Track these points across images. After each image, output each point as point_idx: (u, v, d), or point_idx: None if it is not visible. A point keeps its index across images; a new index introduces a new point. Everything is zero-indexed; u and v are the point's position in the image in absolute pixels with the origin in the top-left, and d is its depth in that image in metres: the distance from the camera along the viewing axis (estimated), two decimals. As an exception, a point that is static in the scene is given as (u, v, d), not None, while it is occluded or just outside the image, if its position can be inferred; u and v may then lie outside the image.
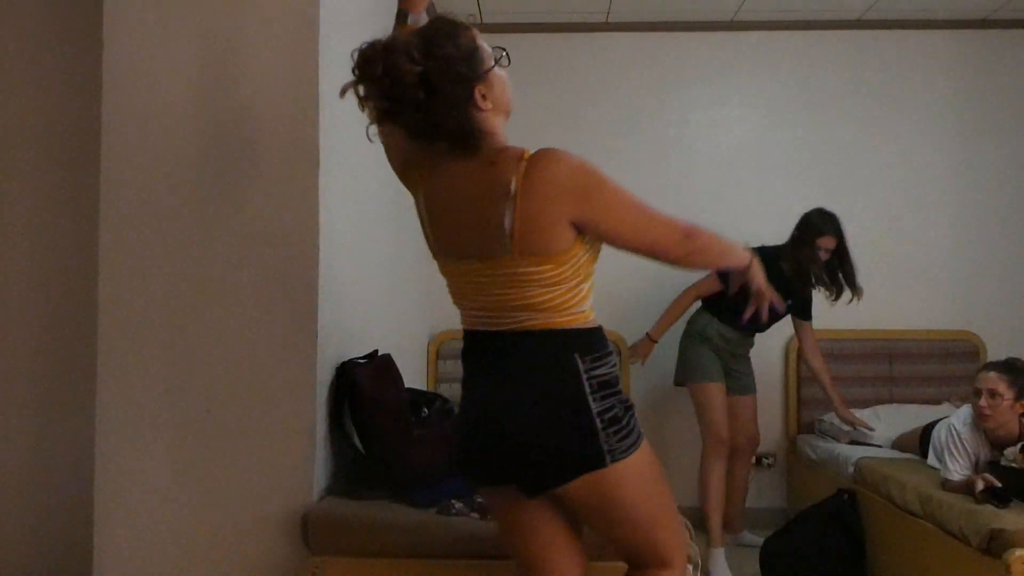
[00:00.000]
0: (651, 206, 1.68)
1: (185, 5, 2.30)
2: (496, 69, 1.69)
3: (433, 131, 1.67)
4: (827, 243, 3.72)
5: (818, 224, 3.75)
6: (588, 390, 1.62)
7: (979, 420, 2.98)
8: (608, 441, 1.61)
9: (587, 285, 1.69)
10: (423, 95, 1.60)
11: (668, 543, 1.76)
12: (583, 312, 1.68)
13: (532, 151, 1.63)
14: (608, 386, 1.64)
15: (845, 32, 4.52)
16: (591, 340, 1.67)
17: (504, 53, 1.72)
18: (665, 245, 1.70)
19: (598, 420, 1.61)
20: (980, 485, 2.78)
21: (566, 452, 1.62)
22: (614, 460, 1.62)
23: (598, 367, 1.64)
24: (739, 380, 3.96)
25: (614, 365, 1.69)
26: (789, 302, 3.61)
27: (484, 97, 1.67)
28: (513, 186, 1.60)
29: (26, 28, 2.53)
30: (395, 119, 1.66)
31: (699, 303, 3.94)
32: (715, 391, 3.83)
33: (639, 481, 1.69)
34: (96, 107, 2.33)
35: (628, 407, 1.67)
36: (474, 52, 1.67)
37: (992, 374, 2.99)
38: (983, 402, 2.95)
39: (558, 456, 1.62)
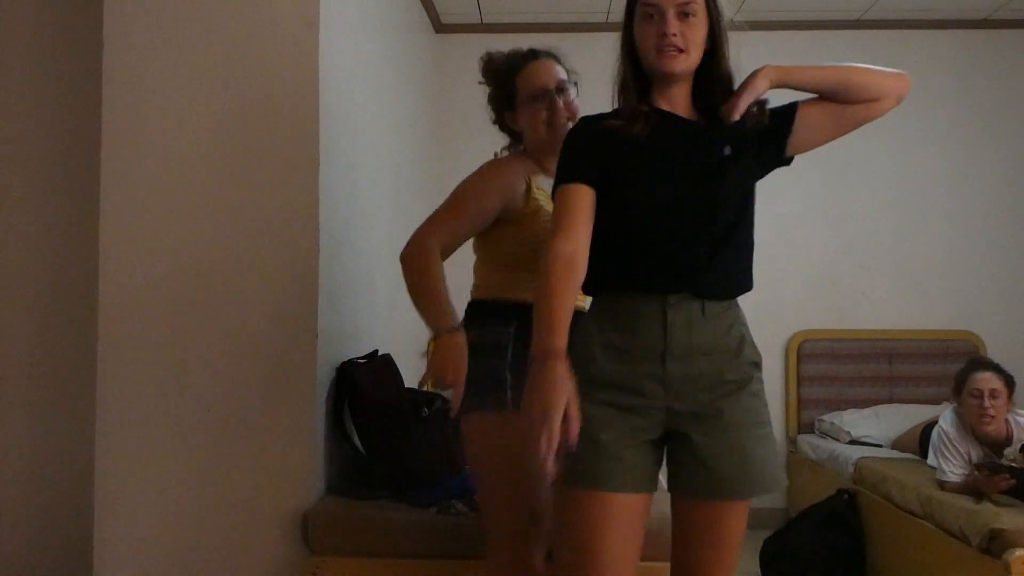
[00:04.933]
0: (457, 213, 1.90)
1: (185, 5, 2.30)
2: (532, 104, 1.93)
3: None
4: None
5: None
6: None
7: (981, 422, 2.97)
8: (468, 394, 1.78)
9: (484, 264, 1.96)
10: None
11: (489, 531, 1.89)
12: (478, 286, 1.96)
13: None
14: (474, 349, 1.79)
15: (845, 32, 4.51)
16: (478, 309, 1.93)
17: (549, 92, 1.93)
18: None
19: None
20: (1002, 485, 2.78)
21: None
22: (464, 412, 1.81)
23: (474, 331, 1.83)
24: (704, 455, 1.56)
25: (494, 332, 1.84)
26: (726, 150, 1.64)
27: (515, 120, 1.99)
28: None
29: (26, 29, 2.53)
30: None
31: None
32: (594, 503, 1.53)
33: (479, 445, 1.87)
34: (96, 107, 2.33)
35: (491, 374, 1.80)
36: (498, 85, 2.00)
37: (990, 374, 2.99)
38: (987, 403, 2.94)
39: None
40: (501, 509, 1.86)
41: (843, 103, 1.62)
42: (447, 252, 1.90)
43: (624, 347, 1.56)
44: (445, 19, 4.49)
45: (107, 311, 2.29)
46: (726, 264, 1.59)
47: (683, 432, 1.55)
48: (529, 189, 1.92)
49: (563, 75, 1.97)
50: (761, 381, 1.62)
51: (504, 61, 2.00)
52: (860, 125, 1.66)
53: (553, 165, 1.84)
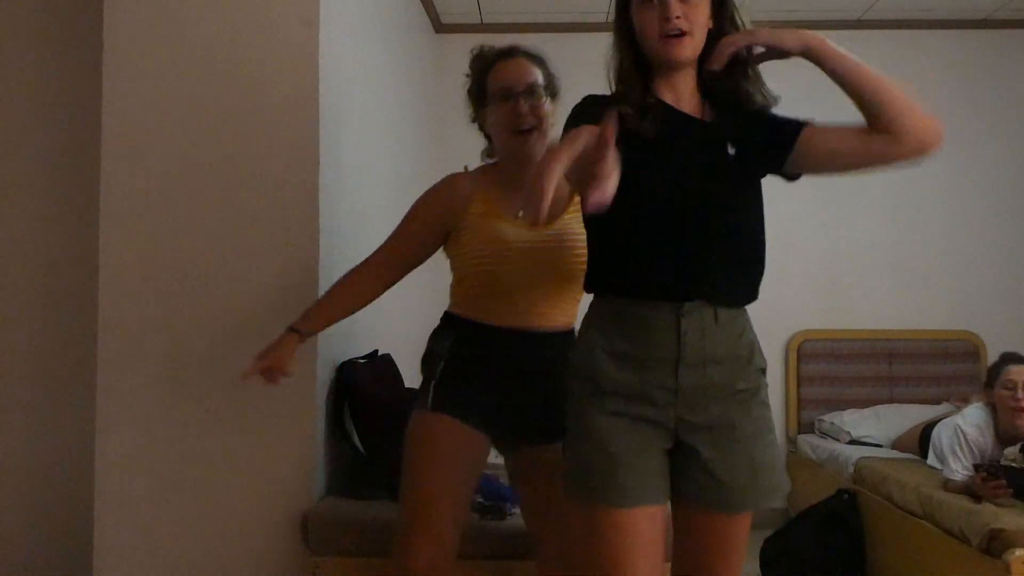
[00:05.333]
0: (398, 235, 2.02)
1: (185, 5, 2.30)
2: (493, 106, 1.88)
3: None
4: None
5: None
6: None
7: (1012, 415, 2.96)
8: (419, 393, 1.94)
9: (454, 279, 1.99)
10: None
11: (401, 526, 1.82)
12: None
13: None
14: (425, 355, 1.97)
15: (845, 32, 4.51)
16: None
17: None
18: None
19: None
20: (999, 494, 2.77)
21: None
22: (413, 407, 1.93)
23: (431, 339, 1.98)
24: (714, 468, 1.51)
25: (435, 344, 1.95)
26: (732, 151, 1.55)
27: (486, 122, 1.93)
28: None
29: (26, 29, 2.53)
30: None
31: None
32: (614, 524, 1.46)
33: (408, 438, 1.90)
34: (96, 107, 2.33)
35: (425, 377, 1.94)
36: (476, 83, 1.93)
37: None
38: (1020, 394, 2.94)
39: None
40: (404, 500, 1.85)
41: (863, 109, 1.49)
42: (394, 269, 2.00)
43: (633, 355, 1.49)
44: (445, 19, 4.49)
45: (107, 311, 2.29)
46: (738, 270, 1.53)
47: (691, 445, 1.50)
48: (466, 205, 1.89)
49: (537, 78, 1.86)
50: (767, 386, 1.58)
51: (486, 56, 1.93)
52: (867, 164, 1.53)
53: (519, 177, 1.85)
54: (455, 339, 1.91)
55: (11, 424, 2.50)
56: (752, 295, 1.57)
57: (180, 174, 2.30)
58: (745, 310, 1.58)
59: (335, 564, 2.14)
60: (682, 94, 1.55)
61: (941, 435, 3.23)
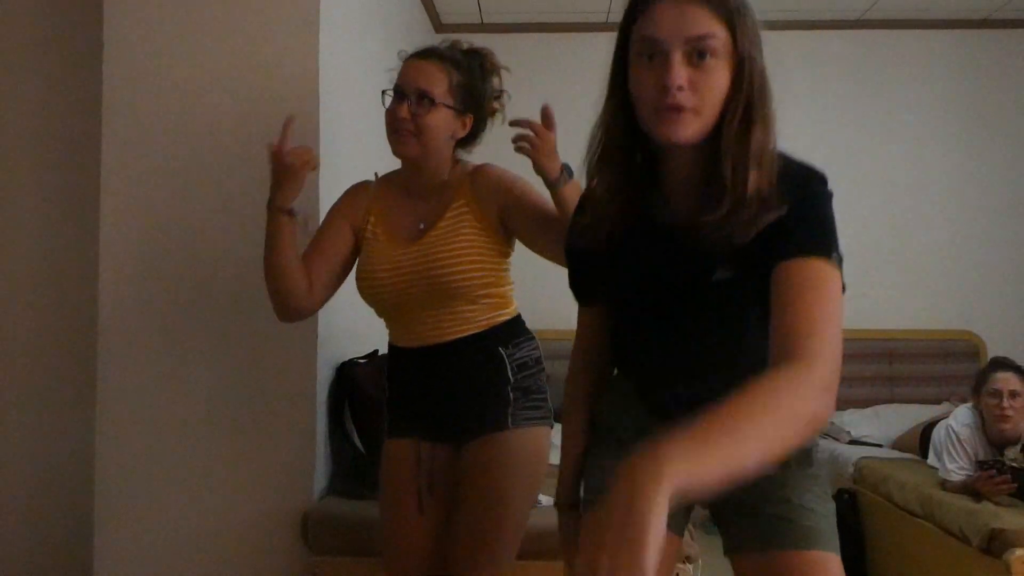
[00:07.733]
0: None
1: (185, 5, 2.30)
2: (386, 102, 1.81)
3: None
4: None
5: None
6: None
7: (998, 421, 2.97)
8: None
9: None
10: None
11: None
12: None
13: None
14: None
15: (845, 32, 4.52)
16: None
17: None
18: None
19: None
20: (1003, 490, 2.78)
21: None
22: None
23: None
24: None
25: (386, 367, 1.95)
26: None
27: None
28: None
29: (26, 29, 2.53)
30: None
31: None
32: None
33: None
34: (96, 108, 2.33)
35: (388, 406, 1.92)
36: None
37: (1011, 375, 3.00)
38: (1006, 403, 2.95)
39: None
40: (382, 530, 1.89)
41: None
42: (307, 263, 1.79)
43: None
44: (445, 19, 4.49)
45: (107, 311, 2.29)
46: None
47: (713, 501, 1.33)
48: (364, 223, 1.84)
49: (434, 88, 1.72)
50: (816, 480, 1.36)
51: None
52: None
53: (412, 183, 1.86)
54: (390, 362, 1.95)
55: (11, 424, 2.50)
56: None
57: (180, 174, 2.30)
58: None
59: (335, 564, 2.14)
60: (681, 174, 1.22)
61: (939, 435, 3.24)
